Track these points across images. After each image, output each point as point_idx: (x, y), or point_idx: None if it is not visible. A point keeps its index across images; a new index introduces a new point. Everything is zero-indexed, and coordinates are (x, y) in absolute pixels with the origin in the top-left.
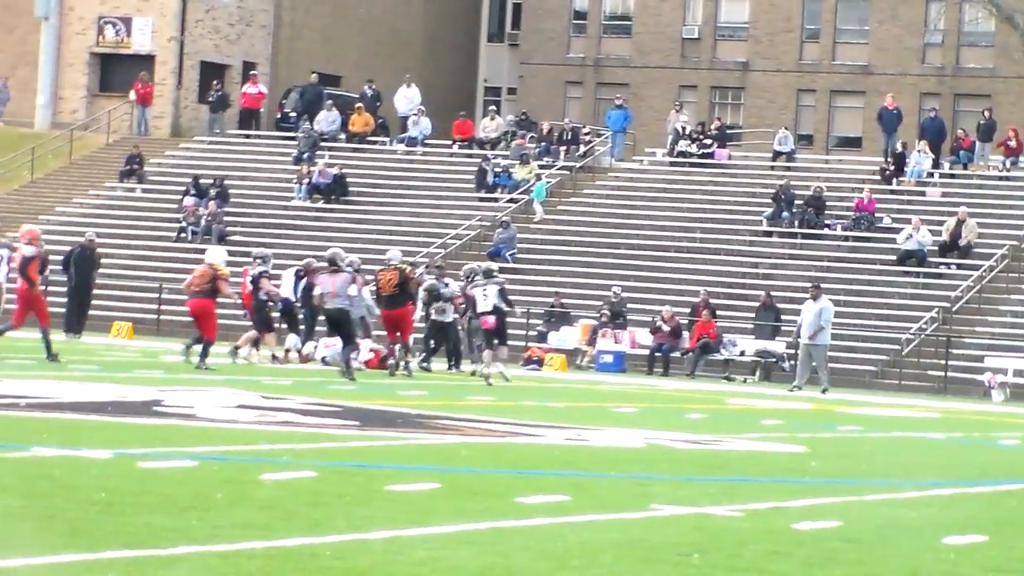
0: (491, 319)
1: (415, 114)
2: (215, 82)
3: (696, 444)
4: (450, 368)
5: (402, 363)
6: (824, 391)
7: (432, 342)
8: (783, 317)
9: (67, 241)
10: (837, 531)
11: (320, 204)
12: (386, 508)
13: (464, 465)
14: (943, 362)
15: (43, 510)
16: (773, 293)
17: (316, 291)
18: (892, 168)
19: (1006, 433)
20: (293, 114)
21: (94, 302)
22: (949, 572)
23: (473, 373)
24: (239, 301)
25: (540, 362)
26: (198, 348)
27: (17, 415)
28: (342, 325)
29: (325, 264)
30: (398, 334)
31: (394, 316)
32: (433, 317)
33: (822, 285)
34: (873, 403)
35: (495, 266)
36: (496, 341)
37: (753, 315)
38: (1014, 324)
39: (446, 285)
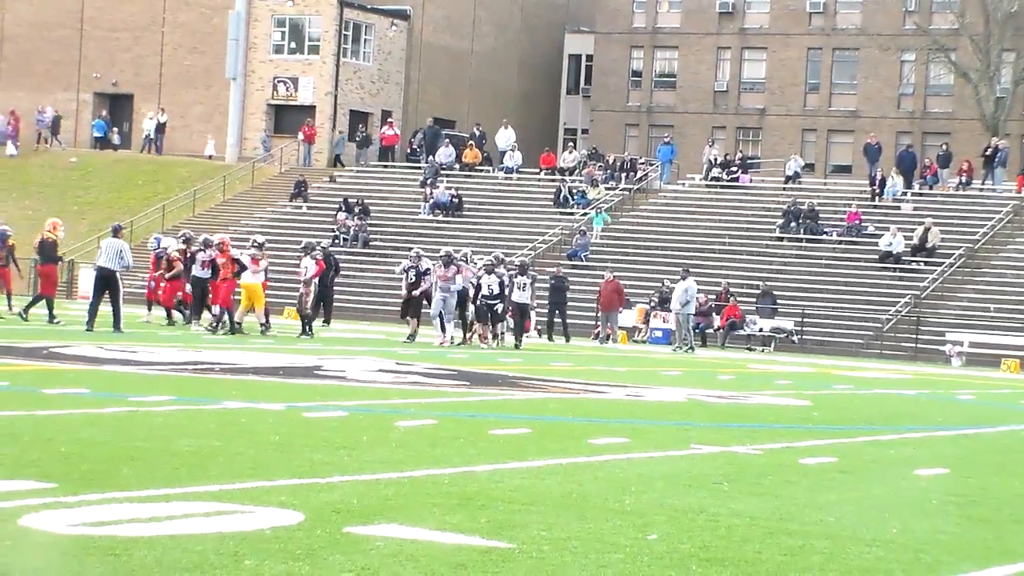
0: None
1: (511, 149)
2: (360, 126)
3: (726, 399)
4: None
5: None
6: (690, 350)
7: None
8: (779, 302)
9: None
10: (834, 465)
11: (440, 218)
12: (490, 447)
13: (549, 415)
14: (914, 336)
15: (232, 449)
16: (784, 284)
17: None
18: (877, 189)
19: (962, 390)
20: (419, 149)
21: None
22: (920, 497)
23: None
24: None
25: (608, 337)
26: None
27: (213, 377)
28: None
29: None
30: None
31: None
32: (514, 299)
33: (828, 279)
34: (861, 367)
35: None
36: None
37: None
38: (968, 307)
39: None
